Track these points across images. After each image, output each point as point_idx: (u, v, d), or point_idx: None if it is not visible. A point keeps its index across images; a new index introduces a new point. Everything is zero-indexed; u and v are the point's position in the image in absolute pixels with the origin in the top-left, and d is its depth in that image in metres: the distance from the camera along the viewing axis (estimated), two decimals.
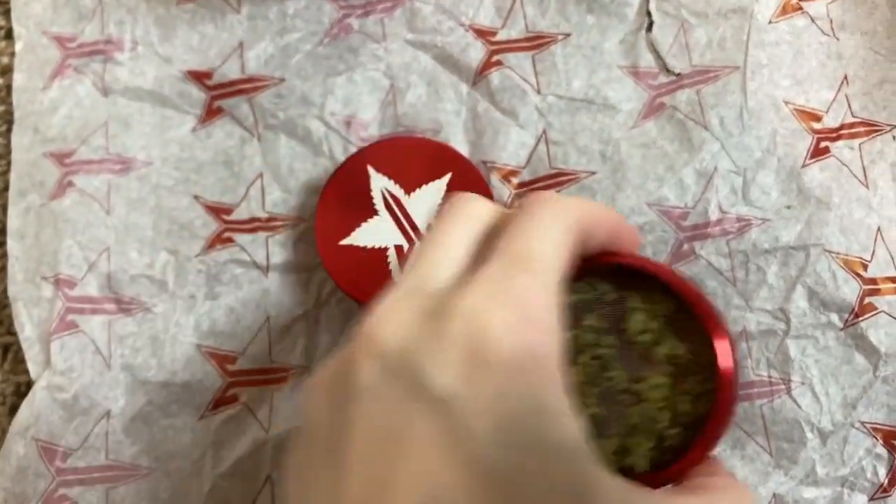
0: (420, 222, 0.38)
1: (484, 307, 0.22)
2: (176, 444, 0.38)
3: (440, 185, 0.39)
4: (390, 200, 0.38)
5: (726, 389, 0.26)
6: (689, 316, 0.26)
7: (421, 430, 0.21)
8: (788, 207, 0.38)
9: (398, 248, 0.38)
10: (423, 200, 0.38)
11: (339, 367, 0.23)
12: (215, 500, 0.37)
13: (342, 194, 0.38)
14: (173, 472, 0.38)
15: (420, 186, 0.39)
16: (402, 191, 0.38)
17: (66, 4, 0.43)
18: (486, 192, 0.38)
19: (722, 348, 0.26)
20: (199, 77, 0.42)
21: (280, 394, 0.38)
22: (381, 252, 0.38)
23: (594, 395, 0.26)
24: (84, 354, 0.39)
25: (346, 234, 0.38)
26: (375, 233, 0.38)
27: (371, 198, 0.38)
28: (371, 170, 0.39)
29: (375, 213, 0.38)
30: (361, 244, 0.38)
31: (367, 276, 0.37)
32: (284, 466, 0.26)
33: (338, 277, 0.37)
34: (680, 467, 0.26)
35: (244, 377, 0.39)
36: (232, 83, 0.42)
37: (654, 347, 0.26)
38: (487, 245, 0.25)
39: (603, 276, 0.27)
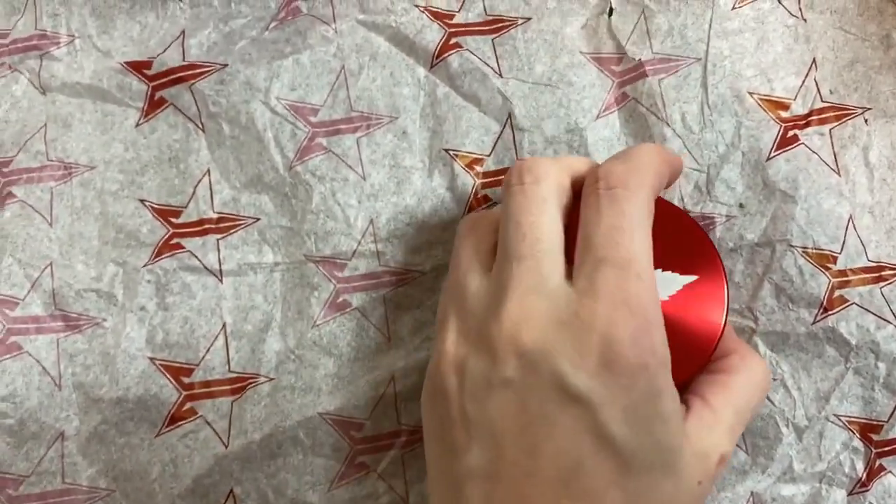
0: None
1: (612, 320, 0.26)
2: (133, 463, 0.37)
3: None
4: None
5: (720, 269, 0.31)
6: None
7: (563, 415, 0.26)
8: (741, 206, 0.37)
9: None
10: None
11: (477, 356, 0.28)
12: None
13: None
14: (131, 492, 0.37)
15: None
16: None
17: None
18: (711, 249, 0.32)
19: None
20: (138, 67, 0.40)
21: (239, 405, 0.37)
22: None
23: None
24: (29, 377, 0.37)
25: None
26: None
27: None
28: None
29: None
30: None
31: None
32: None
33: None
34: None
35: (202, 389, 0.37)
36: (172, 71, 0.39)
37: None
38: (571, 223, 0.30)
39: None
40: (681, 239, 0.32)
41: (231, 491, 0.37)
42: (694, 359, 0.30)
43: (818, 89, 0.37)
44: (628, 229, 0.28)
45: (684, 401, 0.29)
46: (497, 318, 0.28)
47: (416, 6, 0.39)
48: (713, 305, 0.31)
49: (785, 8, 0.38)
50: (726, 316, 0.31)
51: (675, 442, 0.27)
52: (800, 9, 0.38)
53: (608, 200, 0.29)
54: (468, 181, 0.38)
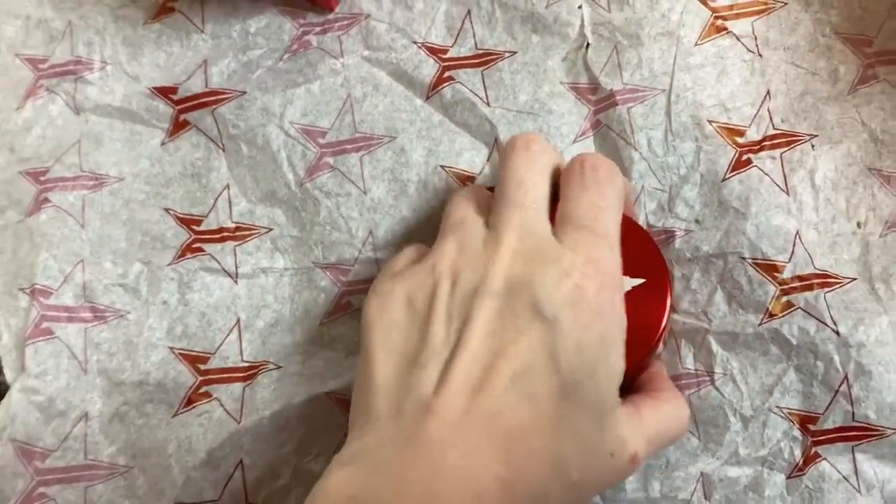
0: None
1: (585, 274, 0.32)
2: (151, 441, 0.41)
3: None
4: None
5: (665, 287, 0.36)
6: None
7: (530, 329, 0.31)
8: (698, 222, 0.41)
9: None
10: None
11: (472, 272, 0.33)
12: (189, 492, 0.40)
13: None
14: (149, 468, 0.41)
15: None
16: None
17: (38, 27, 0.45)
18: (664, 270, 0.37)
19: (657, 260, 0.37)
20: (164, 92, 0.44)
21: (251, 388, 0.41)
22: None
23: None
24: (59, 359, 0.41)
25: None
26: None
27: None
28: None
29: None
30: None
31: None
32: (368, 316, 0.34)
33: None
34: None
35: (216, 375, 0.41)
36: (196, 96, 0.44)
37: None
38: (558, 190, 0.36)
39: None
40: (633, 246, 0.36)
41: (241, 461, 0.41)
42: (637, 352, 0.34)
43: (771, 118, 0.42)
44: (607, 209, 0.34)
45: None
46: (497, 248, 0.33)
47: (415, 42, 0.44)
48: (657, 306, 0.36)
49: (743, 45, 0.43)
50: (668, 316, 0.36)
51: (609, 399, 0.31)
52: (756, 45, 0.43)
53: (593, 181, 0.35)
54: None
